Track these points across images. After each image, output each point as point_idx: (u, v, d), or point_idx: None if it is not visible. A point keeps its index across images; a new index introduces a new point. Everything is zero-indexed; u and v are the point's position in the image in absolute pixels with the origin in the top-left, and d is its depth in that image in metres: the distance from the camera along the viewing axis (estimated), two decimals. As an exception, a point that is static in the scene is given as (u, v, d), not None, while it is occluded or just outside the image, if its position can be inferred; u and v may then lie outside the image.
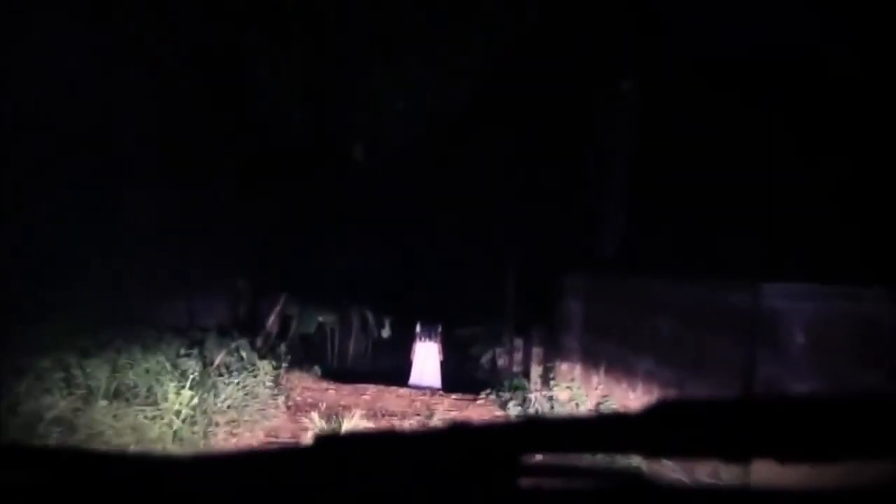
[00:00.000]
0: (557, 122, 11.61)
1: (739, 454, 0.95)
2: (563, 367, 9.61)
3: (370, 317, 20.32)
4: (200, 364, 8.40)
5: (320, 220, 15.25)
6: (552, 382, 9.62)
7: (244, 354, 9.87)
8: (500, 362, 18.66)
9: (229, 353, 9.58)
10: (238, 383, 8.66)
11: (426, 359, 17.85)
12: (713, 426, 0.92)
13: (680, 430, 0.93)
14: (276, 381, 10.65)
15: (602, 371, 8.31)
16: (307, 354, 19.22)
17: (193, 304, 10.79)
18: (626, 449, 1.24)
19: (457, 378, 18.33)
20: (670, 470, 4.95)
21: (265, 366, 9.96)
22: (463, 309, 18.75)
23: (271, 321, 15.84)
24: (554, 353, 10.99)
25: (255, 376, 9.67)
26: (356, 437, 1.07)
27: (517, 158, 12.13)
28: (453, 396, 12.96)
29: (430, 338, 18.38)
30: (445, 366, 18.09)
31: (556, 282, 11.20)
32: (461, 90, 10.50)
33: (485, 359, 19.50)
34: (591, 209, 10.93)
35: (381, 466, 0.95)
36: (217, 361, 8.71)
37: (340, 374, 18.60)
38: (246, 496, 0.96)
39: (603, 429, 0.99)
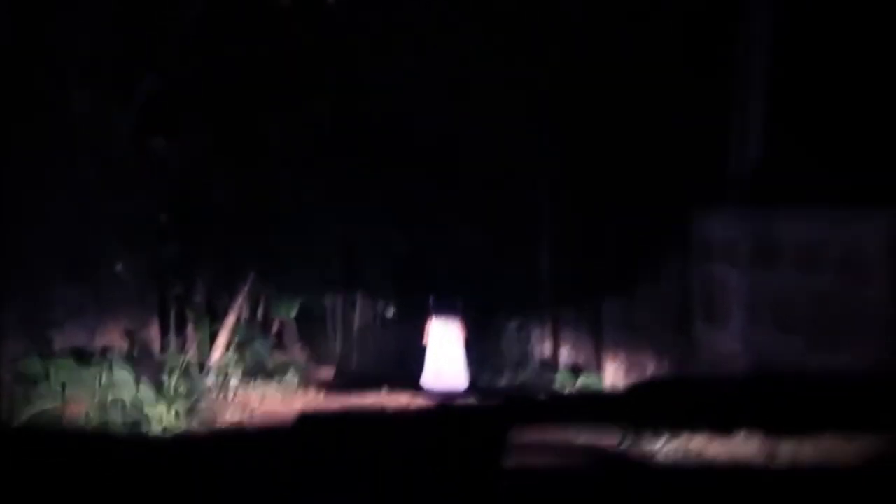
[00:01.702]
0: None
1: (727, 428, 0.74)
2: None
3: (371, 292, 15.36)
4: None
5: (300, 163, 10.34)
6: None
7: (128, 397, 5.02)
8: (534, 336, 13.76)
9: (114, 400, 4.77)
10: None
11: (444, 345, 12.89)
12: (702, 402, 0.76)
13: (669, 407, 0.78)
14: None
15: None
16: (306, 339, 14.48)
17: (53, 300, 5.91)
18: (615, 426, 0.85)
19: (482, 363, 13.54)
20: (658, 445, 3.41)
21: (162, 413, 5.13)
22: (488, 272, 13.85)
23: (235, 308, 11.04)
24: (665, 349, 6.19)
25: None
26: (343, 416, 1.10)
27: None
28: (489, 409, 8.22)
29: (448, 314, 13.40)
30: (469, 350, 13.20)
31: (654, 229, 6.37)
32: None
33: (512, 326, 14.47)
34: (704, 105, 6.03)
35: (367, 446, 0.76)
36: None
37: (340, 371, 13.84)
38: (230, 474, 0.73)
39: (591, 406, 0.87)
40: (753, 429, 1.31)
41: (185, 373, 7.35)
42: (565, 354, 10.86)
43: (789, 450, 2.52)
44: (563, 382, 8.54)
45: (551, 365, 10.99)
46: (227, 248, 10.44)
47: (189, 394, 6.36)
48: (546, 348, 12.06)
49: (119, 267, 6.19)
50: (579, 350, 10.15)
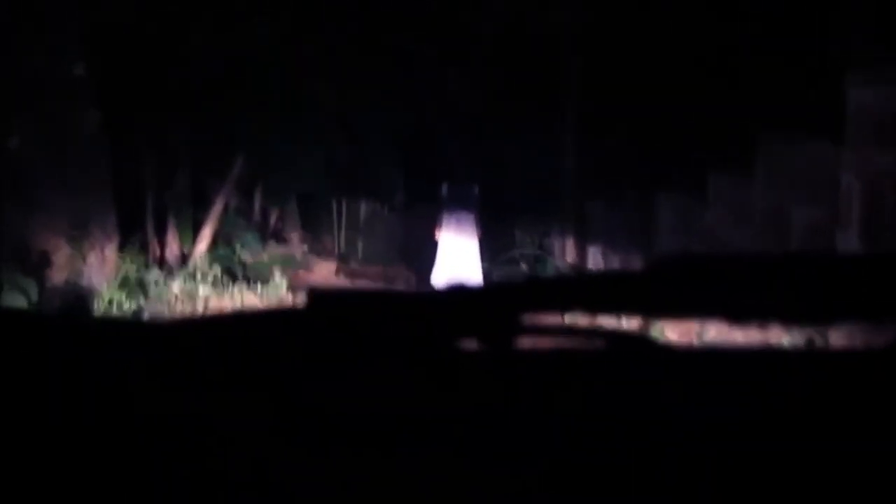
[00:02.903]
0: None
1: (744, 316, 0.85)
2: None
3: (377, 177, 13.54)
4: None
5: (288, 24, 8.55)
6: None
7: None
8: (556, 232, 12.06)
9: None
10: None
11: (457, 239, 11.30)
12: (718, 287, 0.83)
13: (684, 291, 0.84)
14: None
15: None
16: (308, 230, 12.84)
17: None
18: (630, 309, 1.04)
19: (496, 260, 11.95)
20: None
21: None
22: (504, 154, 12.15)
23: (223, 195, 9.42)
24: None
25: None
26: (353, 295, 1.12)
27: None
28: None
29: (462, 206, 11.70)
30: (484, 245, 11.57)
31: (736, 95, 4.63)
32: None
33: (531, 219, 12.71)
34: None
35: (379, 327, 0.83)
36: None
37: (342, 268, 12.27)
38: (240, 356, 0.81)
39: (606, 289, 0.90)
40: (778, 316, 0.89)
41: (141, 280, 5.78)
42: (596, 257, 9.24)
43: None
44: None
45: (578, 268, 9.43)
46: (210, 123, 8.73)
47: (134, 313, 4.79)
48: (570, 248, 10.45)
49: (14, 142, 4.32)
50: (614, 253, 8.52)
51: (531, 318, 0.86)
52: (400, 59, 9.79)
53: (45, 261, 4.55)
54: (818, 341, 3.27)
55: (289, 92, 8.61)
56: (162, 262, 8.02)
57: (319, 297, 0.90)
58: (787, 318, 0.92)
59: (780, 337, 3.18)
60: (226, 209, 9.71)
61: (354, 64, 8.98)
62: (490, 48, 10.60)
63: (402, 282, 11.49)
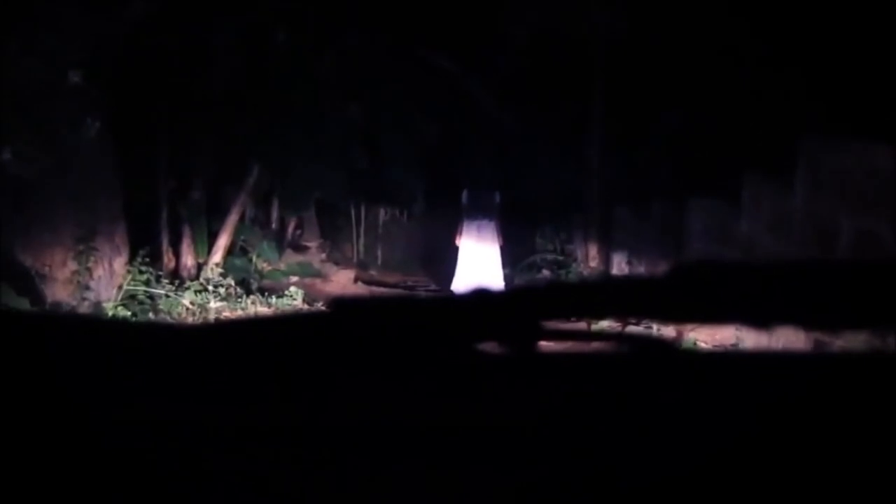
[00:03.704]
0: None
1: (763, 320, 0.85)
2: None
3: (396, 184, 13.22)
4: None
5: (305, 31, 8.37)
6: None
7: None
8: (579, 237, 11.71)
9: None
10: None
11: (478, 246, 11.00)
12: (739, 292, 0.79)
13: (706, 296, 0.80)
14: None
15: None
16: (327, 239, 12.58)
17: None
18: (651, 314, 1.05)
19: (517, 265, 11.69)
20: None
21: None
22: (526, 158, 11.90)
23: (238, 205, 9.20)
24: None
25: None
26: (372, 302, 1.01)
27: None
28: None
29: (483, 212, 11.39)
30: (505, 252, 11.26)
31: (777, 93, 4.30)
32: None
33: (553, 225, 12.38)
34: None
35: (398, 333, 0.80)
36: None
37: (359, 277, 11.99)
38: (255, 363, 0.77)
39: (628, 294, 0.86)
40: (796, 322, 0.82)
41: (150, 293, 5.54)
42: (621, 264, 8.91)
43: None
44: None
45: (602, 273, 9.11)
46: (227, 131, 8.51)
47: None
48: (594, 254, 10.12)
49: (6, 154, 4.10)
50: (640, 261, 8.19)
51: (553, 323, 0.83)
52: (420, 65, 9.53)
53: (44, 278, 4.33)
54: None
55: (306, 98, 8.38)
56: (175, 274, 7.81)
57: (339, 304, 0.87)
58: (840, 324, 0.86)
59: (831, 343, 2.91)
60: (242, 218, 9.49)
61: (374, 70, 8.73)
62: (511, 50, 10.32)
63: (422, 289, 11.26)
